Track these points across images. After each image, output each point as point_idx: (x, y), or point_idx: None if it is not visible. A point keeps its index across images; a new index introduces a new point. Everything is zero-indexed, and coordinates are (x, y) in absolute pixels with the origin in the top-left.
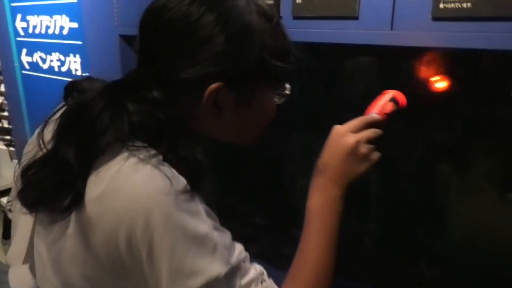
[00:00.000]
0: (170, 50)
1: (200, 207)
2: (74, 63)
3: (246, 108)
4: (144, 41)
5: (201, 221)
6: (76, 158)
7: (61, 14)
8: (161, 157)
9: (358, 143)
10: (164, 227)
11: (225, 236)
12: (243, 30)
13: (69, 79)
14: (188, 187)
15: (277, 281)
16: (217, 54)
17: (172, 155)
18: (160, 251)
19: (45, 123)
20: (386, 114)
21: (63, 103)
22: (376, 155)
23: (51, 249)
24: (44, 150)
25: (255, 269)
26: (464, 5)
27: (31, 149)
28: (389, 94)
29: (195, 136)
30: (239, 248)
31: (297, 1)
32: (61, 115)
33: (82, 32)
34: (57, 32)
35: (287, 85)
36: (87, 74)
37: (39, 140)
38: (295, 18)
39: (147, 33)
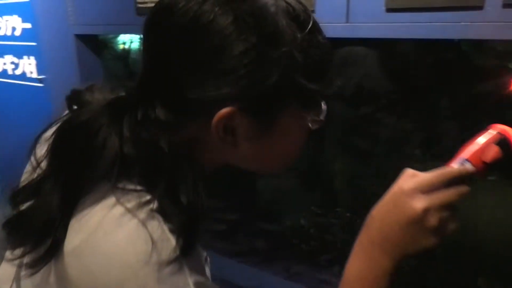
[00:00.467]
0: (177, 60)
1: (189, 280)
2: (28, 65)
3: (268, 136)
4: (149, 46)
5: None
6: (60, 199)
7: (12, 15)
8: (155, 205)
9: (427, 211)
10: None
11: None
12: (267, 40)
13: (24, 83)
14: (178, 252)
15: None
16: (231, 70)
17: (170, 202)
18: None
19: (37, 139)
20: (485, 163)
21: (59, 116)
22: (452, 227)
23: None
24: (38, 171)
25: None
26: None
27: (30, 169)
28: (496, 131)
29: (202, 170)
30: None
31: None
32: (56, 134)
33: (36, 33)
34: (9, 33)
35: (323, 107)
36: (41, 77)
37: (32, 160)
38: None
39: (152, 37)
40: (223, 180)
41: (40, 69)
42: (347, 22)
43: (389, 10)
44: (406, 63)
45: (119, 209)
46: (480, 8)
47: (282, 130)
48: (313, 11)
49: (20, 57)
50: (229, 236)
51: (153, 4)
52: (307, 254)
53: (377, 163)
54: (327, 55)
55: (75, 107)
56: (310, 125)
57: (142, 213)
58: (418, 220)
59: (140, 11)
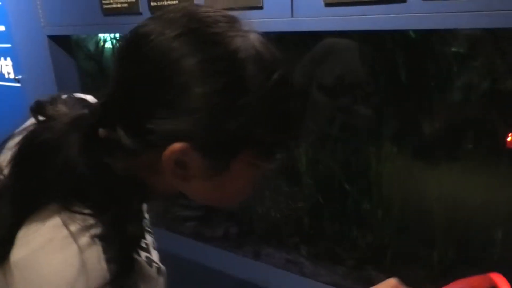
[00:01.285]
0: (141, 91)
1: None
2: (6, 67)
3: (219, 177)
4: (117, 72)
5: None
6: (12, 211)
7: None
8: (98, 230)
9: None
10: None
11: None
12: (231, 87)
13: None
14: (108, 282)
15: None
16: (191, 109)
17: (114, 229)
18: None
19: (1, 147)
20: None
21: (23, 126)
22: None
23: None
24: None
25: None
26: None
27: None
28: (491, 280)
29: (153, 198)
30: None
31: None
32: (17, 147)
33: (10, 35)
34: None
35: (278, 156)
36: (18, 77)
37: None
38: None
39: (122, 63)
40: None
41: (16, 69)
42: (292, 17)
43: (327, 4)
44: (383, 56)
45: (63, 232)
46: (404, 1)
47: (233, 174)
48: (261, 7)
49: None
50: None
51: (118, 5)
52: (274, 237)
53: (345, 151)
54: (293, 108)
55: (40, 117)
56: (261, 171)
57: (84, 238)
58: None
59: (106, 12)
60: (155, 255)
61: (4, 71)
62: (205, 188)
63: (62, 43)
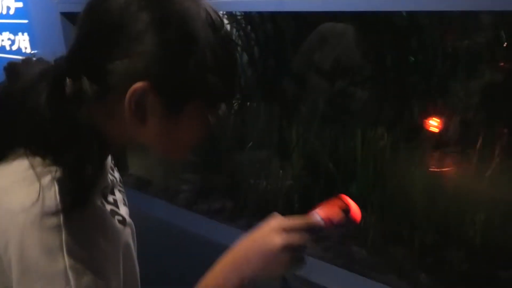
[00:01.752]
0: (103, 38)
1: (62, 241)
2: (23, 42)
3: (174, 121)
4: (81, 25)
5: (54, 258)
6: None
7: None
8: (59, 174)
9: (284, 248)
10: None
11: (83, 281)
12: (184, 34)
13: (19, 57)
14: (60, 210)
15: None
16: (147, 53)
17: (72, 172)
18: (10, 266)
19: None
20: (332, 224)
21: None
22: (295, 268)
23: None
24: None
25: None
26: None
27: None
28: (345, 203)
29: (111, 145)
30: None
31: None
32: None
33: (27, 11)
34: (4, 12)
35: (223, 106)
36: (34, 52)
37: None
38: None
39: (85, 16)
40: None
41: (33, 45)
42: None
43: None
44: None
45: (27, 174)
46: None
47: (186, 118)
48: None
49: (15, 33)
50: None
51: None
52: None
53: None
54: (234, 56)
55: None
56: (210, 120)
57: (46, 179)
58: (276, 253)
59: None
60: (123, 210)
61: (22, 46)
62: (159, 131)
63: (75, 20)
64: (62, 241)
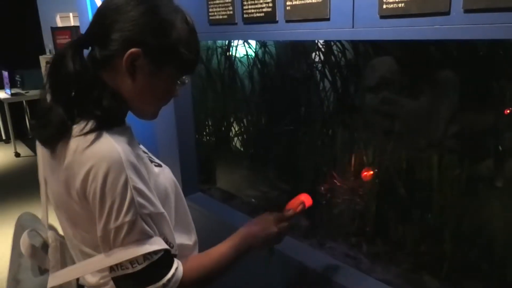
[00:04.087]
0: (108, 17)
1: (128, 178)
2: None
3: (153, 79)
4: (94, 15)
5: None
6: (64, 111)
7: None
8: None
9: (278, 233)
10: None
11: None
12: (166, 22)
13: None
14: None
15: None
16: (140, 30)
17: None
18: None
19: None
20: (296, 212)
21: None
22: (282, 240)
23: (54, 194)
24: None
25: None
26: (400, 5)
27: None
28: (300, 198)
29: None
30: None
31: (287, 8)
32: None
33: None
34: None
35: (187, 77)
36: None
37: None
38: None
39: (98, 9)
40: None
41: None
42: (352, 28)
43: (382, 17)
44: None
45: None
46: (447, 14)
47: (162, 78)
48: (328, 19)
49: None
50: None
51: None
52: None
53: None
54: (199, 44)
55: None
56: (177, 83)
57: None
58: (275, 235)
59: None
60: (157, 160)
61: None
62: (142, 87)
63: None
64: (128, 178)
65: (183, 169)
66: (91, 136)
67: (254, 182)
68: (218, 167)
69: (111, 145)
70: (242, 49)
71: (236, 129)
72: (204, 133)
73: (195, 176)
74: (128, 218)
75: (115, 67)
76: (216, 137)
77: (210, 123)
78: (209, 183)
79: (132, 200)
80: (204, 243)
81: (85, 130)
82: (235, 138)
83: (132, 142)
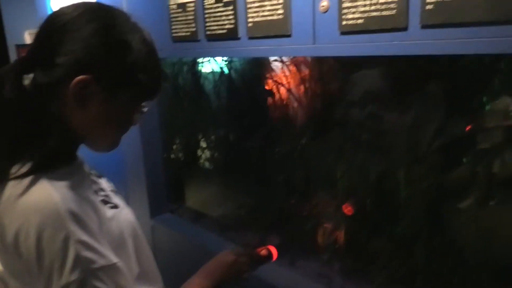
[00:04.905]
0: (53, 38)
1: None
2: None
3: (109, 108)
4: (37, 33)
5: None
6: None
7: None
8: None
9: (235, 262)
10: None
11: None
12: (120, 43)
13: None
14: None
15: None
16: (91, 53)
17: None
18: None
19: None
20: (263, 258)
21: None
22: (245, 275)
23: None
24: None
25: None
26: (359, 21)
27: None
28: (269, 248)
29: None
30: None
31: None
32: None
33: None
34: None
35: (146, 104)
36: None
37: None
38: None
39: (41, 26)
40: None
41: None
42: (314, 44)
43: (342, 33)
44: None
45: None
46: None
47: (117, 107)
48: (289, 36)
49: None
50: None
51: None
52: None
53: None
54: (159, 68)
55: None
56: (136, 112)
57: (44, 182)
58: (231, 265)
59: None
60: (116, 200)
61: None
62: (94, 117)
63: None
64: (68, 232)
65: (150, 190)
66: (26, 181)
67: (224, 199)
68: (187, 186)
69: (47, 194)
70: (208, 65)
71: (204, 145)
72: (172, 151)
73: (163, 196)
74: (74, 277)
75: (62, 95)
76: (184, 155)
77: (178, 141)
78: (178, 202)
79: (77, 256)
80: (174, 266)
81: (19, 173)
82: (203, 155)
83: (80, 184)
